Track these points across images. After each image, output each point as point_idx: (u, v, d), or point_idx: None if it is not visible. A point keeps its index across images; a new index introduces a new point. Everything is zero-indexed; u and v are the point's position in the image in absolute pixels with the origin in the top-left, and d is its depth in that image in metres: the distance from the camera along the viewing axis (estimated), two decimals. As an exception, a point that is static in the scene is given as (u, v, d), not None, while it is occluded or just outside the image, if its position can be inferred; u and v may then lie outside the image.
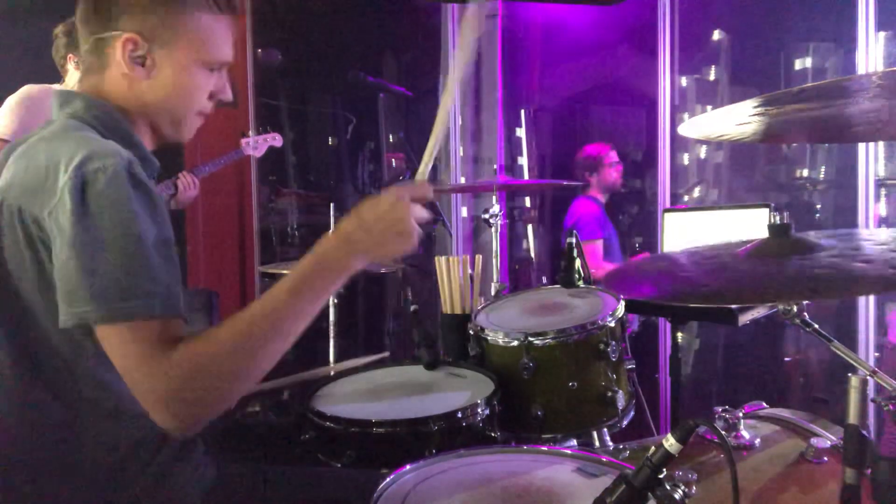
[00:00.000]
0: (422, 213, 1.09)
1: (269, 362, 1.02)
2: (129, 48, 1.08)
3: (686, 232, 2.19)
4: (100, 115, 1.10)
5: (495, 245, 2.35)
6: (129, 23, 1.07)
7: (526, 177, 4.57)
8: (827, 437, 1.19)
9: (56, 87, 2.67)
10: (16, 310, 1.02)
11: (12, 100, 2.54)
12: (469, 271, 2.06)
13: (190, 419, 0.97)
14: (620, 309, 1.65)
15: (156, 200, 1.02)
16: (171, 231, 1.03)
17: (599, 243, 3.65)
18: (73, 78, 2.68)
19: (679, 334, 2.10)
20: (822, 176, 3.76)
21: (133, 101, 1.13)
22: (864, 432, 0.76)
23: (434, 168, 1.23)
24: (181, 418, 0.95)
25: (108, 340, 0.95)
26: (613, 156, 3.84)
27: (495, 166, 2.83)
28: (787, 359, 3.54)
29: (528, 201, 4.75)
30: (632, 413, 1.67)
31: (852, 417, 0.77)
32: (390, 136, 4.48)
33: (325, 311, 2.19)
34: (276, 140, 3.24)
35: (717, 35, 4.32)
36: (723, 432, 1.19)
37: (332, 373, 1.69)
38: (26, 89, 2.58)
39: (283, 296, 1.02)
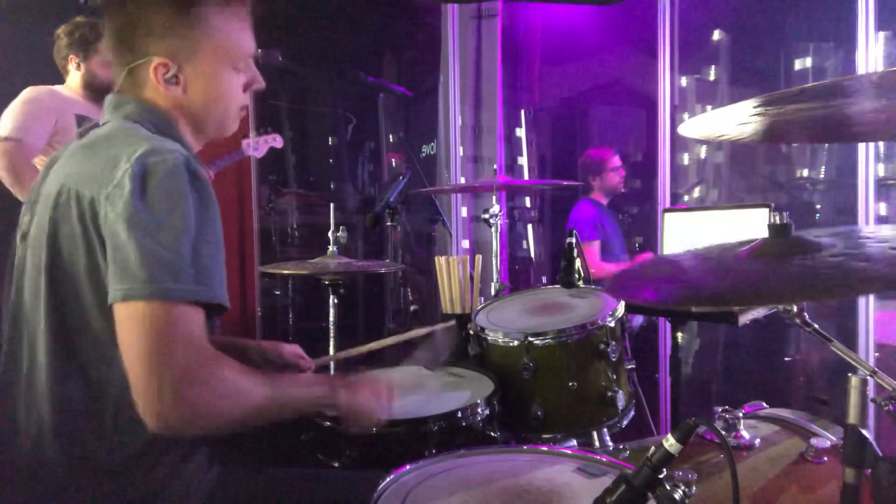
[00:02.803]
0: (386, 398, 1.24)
1: (254, 419, 1.08)
2: (161, 71, 1.14)
3: (686, 232, 2.19)
4: (152, 119, 1.15)
5: (495, 245, 2.35)
6: (155, 47, 1.13)
7: (526, 177, 4.57)
8: (827, 437, 1.19)
9: (58, 88, 2.68)
10: (64, 287, 1.04)
11: (16, 101, 2.56)
12: (469, 271, 2.06)
13: (192, 412, 0.95)
14: (620, 309, 1.65)
15: (210, 196, 1.05)
16: (221, 229, 1.06)
17: (595, 245, 3.74)
18: (74, 78, 2.68)
19: (679, 334, 2.10)
20: (822, 176, 3.76)
21: (175, 111, 1.19)
22: (864, 432, 0.76)
23: (433, 168, 1.29)
24: (184, 407, 0.94)
25: (145, 318, 0.94)
26: (616, 160, 3.93)
27: (495, 166, 2.83)
28: (787, 359, 3.53)
29: (528, 201, 4.75)
30: (632, 413, 1.67)
31: (852, 417, 0.77)
32: (390, 136, 4.48)
33: (325, 311, 2.20)
34: (276, 141, 3.23)
35: (717, 35, 4.32)
36: (723, 432, 1.19)
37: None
38: (29, 91, 2.59)
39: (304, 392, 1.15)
